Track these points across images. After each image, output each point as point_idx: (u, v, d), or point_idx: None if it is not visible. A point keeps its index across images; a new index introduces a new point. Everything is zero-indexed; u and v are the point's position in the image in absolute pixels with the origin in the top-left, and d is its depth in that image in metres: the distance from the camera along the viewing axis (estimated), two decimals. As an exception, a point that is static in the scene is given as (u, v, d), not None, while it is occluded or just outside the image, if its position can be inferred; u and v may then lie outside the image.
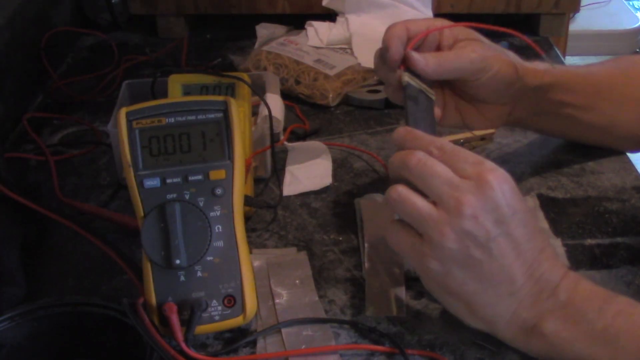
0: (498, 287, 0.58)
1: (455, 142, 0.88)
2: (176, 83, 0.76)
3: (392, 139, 0.62)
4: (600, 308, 0.56)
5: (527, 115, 0.80)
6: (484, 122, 0.78)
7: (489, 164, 0.58)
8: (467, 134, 0.90)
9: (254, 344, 0.63)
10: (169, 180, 0.62)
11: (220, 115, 0.63)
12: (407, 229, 0.60)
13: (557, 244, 0.73)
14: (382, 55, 0.71)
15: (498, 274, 0.57)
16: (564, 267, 0.60)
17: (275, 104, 0.83)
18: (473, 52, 0.71)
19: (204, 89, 0.76)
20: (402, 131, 0.62)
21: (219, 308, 0.61)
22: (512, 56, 0.75)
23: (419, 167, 0.58)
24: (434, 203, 0.58)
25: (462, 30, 0.73)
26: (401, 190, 0.59)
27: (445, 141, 0.60)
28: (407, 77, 0.68)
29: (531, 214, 0.59)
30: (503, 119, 0.79)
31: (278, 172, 0.82)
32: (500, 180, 0.57)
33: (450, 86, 0.75)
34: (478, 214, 0.56)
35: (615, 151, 0.87)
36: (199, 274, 0.61)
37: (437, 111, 0.71)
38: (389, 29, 0.70)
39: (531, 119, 0.81)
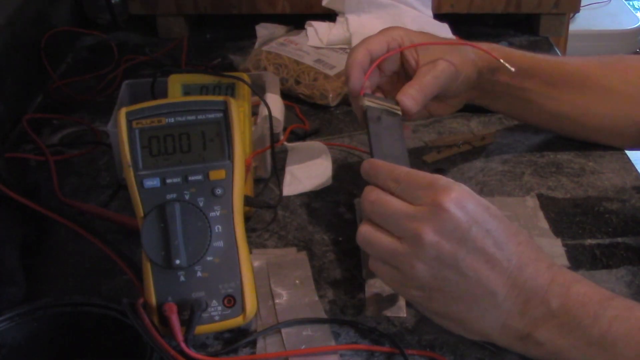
0: (480, 302, 0.57)
1: (456, 142, 0.88)
2: (176, 83, 0.76)
3: (362, 174, 0.64)
4: (596, 314, 0.55)
5: (486, 98, 0.83)
6: (448, 109, 0.83)
7: (442, 184, 0.58)
8: (467, 134, 0.90)
9: (254, 344, 0.63)
10: (168, 180, 0.62)
11: (220, 115, 0.63)
12: (384, 265, 0.60)
13: (557, 244, 0.73)
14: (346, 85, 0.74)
15: (476, 289, 0.57)
16: (551, 269, 0.58)
17: (275, 104, 0.83)
18: (447, 67, 0.74)
19: (204, 89, 0.76)
20: (366, 165, 0.63)
21: (219, 308, 0.61)
22: (469, 50, 0.77)
23: (376, 206, 0.59)
24: (399, 238, 0.58)
25: (421, 39, 0.76)
26: (364, 231, 0.60)
27: (402, 169, 0.61)
28: (366, 101, 0.71)
29: (498, 220, 0.58)
30: (463, 102, 0.83)
31: (278, 172, 0.82)
32: (453, 199, 0.56)
33: None
34: (438, 239, 0.56)
35: (615, 151, 0.87)
36: (199, 274, 0.61)
37: (408, 132, 0.75)
38: (349, 57, 0.74)
39: (492, 102, 0.84)
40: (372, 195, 0.60)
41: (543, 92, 0.82)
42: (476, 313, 0.58)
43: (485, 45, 0.78)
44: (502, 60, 0.75)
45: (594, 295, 0.56)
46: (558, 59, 0.84)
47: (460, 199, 0.57)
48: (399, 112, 0.72)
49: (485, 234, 0.57)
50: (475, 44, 0.77)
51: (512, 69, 0.76)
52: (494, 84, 0.81)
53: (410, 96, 0.72)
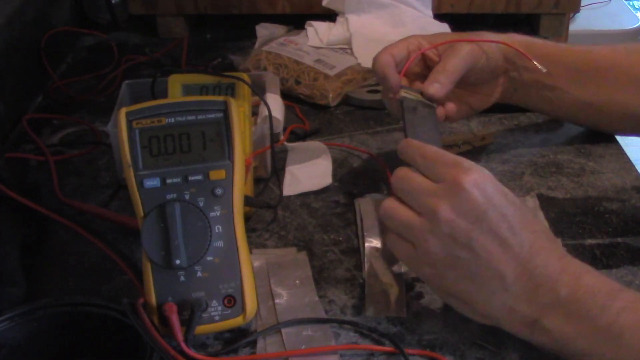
0: (489, 284, 0.58)
1: (456, 142, 0.88)
2: (176, 83, 0.76)
3: (398, 152, 0.65)
4: (604, 304, 0.56)
5: (517, 87, 0.84)
6: (488, 100, 0.85)
7: (466, 165, 0.59)
8: (467, 134, 0.90)
9: (254, 344, 0.63)
10: (169, 181, 0.62)
11: (220, 115, 0.63)
12: (400, 239, 0.62)
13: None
14: (382, 85, 0.79)
15: (486, 271, 0.58)
16: (563, 258, 0.59)
17: (275, 104, 0.83)
18: (466, 47, 0.78)
19: (204, 89, 0.76)
20: (403, 143, 0.65)
21: (219, 308, 0.61)
22: (490, 35, 0.80)
23: (401, 182, 0.62)
24: (419, 213, 0.60)
25: (440, 40, 0.79)
26: (388, 204, 0.62)
27: (431, 148, 0.63)
28: (403, 92, 0.74)
29: (515, 207, 0.59)
30: (499, 91, 0.84)
31: (278, 172, 0.82)
32: (473, 179, 0.58)
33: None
34: (454, 216, 0.58)
35: (615, 151, 0.87)
36: (199, 274, 0.61)
37: (441, 113, 0.76)
38: (376, 61, 0.78)
39: (522, 95, 0.85)
40: (400, 172, 0.63)
41: (569, 78, 0.82)
42: (484, 295, 0.58)
43: (504, 36, 0.80)
44: (535, 62, 0.78)
45: (603, 287, 0.57)
46: (583, 47, 0.84)
47: (480, 181, 0.58)
48: (434, 105, 0.75)
49: (500, 217, 0.58)
50: (496, 40, 0.80)
51: (544, 70, 0.78)
52: (521, 71, 0.82)
53: (433, 80, 0.75)
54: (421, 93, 0.75)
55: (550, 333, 0.57)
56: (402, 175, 0.62)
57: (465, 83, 0.80)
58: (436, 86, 0.75)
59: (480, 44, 0.79)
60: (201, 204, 0.61)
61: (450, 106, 0.78)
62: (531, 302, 0.57)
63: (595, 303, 0.56)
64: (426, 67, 0.80)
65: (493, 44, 0.80)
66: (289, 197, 0.82)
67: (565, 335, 0.56)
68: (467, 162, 0.60)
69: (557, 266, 0.58)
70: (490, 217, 0.57)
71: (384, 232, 0.66)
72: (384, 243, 0.71)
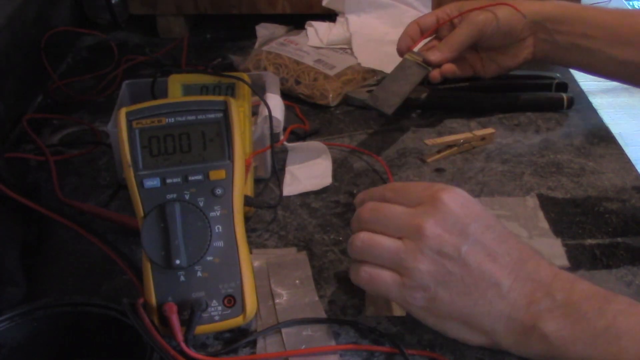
0: (486, 294, 0.57)
1: (456, 142, 0.88)
2: (176, 83, 0.76)
3: (355, 203, 0.65)
4: (600, 308, 0.55)
5: (550, 48, 0.88)
6: (517, 60, 0.92)
7: (439, 185, 0.60)
8: (467, 134, 0.90)
9: (254, 344, 0.63)
10: (169, 180, 0.62)
11: (220, 115, 0.63)
12: (382, 270, 0.60)
13: (557, 244, 0.73)
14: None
15: (481, 281, 0.57)
16: (552, 266, 0.59)
17: (275, 104, 0.83)
18: (479, 16, 0.86)
19: (204, 89, 0.76)
20: (360, 195, 0.65)
21: (219, 308, 0.61)
22: (523, 1, 0.88)
23: (373, 214, 0.61)
24: (399, 239, 0.59)
25: (470, 7, 0.88)
26: (363, 235, 0.60)
27: (396, 182, 0.65)
28: (407, 55, 0.89)
29: (496, 220, 0.60)
30: (529, 52, 0.90)
31: (278, 172, 0.82)
32: (452, 195, 0.58)
33: (478, 47, 0.91)
34: (440, 231, 0.57)
35: (615, 151, 0.87)
36: (199, 274, 0.61)
37: (435, 74, 0.89)
38: (405, 29, 0.90)
39: (558, 55, 0.89)
40: (369, 205, 0.62)
41: (607, 40, 0.83)
42: (482, 307, 0.58)
43: (540, 2, 0.87)
44: (520, 11, 0.86)
45: (597, 291, 0.57)
46: (621, 10, 0.86)
47: (457, 197, 0.59)
48: (429, 68, 0.88)
49: (484, 229, 0.58)
50: (512, 5, 0.87)
51: (525, 17, 0.86)
52: (554, 34, 0.86)
53: (435, 49, 0.88)
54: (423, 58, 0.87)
55: (548, 338, 0.56)
56: (373, 207, 0.61)
57: (483, 47, 0.90)
58: (436, 54, 0.87)
59: (494, 10, 0.86)
60: (201, 204, 0.61)
61: (448, 66, 0.89)
62: (528, 307, 0.57)
63: (592, 306, 0.56)
64: None
65: (510, 12, 0.86)
66: (289, 197, 0.82)
67: (563, 340, 0.56)
68: (438, 184, 0.60)
69: (549, 272, 0.58)
70: (474, 229, 0.58)
71: (356, 269, 0.61)
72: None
